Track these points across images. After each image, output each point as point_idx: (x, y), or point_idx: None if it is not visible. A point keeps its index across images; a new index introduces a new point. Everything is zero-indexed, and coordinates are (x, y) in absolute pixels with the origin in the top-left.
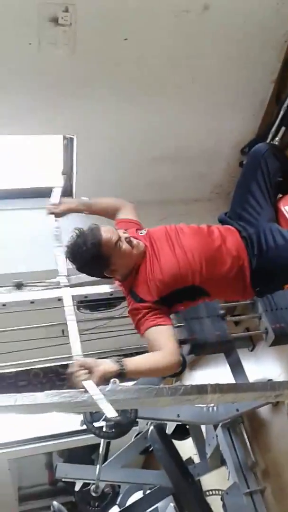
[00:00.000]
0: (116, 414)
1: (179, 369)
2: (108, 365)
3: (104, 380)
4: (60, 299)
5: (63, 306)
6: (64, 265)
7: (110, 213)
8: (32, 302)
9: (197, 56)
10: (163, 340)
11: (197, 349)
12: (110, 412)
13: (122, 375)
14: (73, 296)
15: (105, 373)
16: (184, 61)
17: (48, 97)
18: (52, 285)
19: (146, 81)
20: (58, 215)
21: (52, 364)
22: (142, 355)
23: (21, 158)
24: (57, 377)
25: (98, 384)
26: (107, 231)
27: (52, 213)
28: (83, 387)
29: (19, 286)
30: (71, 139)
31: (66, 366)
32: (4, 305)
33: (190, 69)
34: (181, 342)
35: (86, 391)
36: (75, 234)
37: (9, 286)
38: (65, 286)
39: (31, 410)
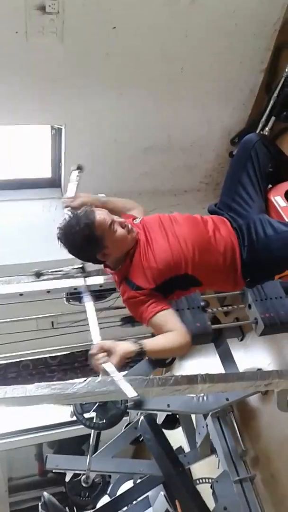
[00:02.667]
0: (136, 394)
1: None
2: (127, 345)
3: (124, 360)
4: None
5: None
6: None
7: (123, 213)
8: (21, 295)
9: (186, 45)
10: (172, 323)
11: None
12: (131, 392)
13: (141, 354)
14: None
15: (125, 353)
16: (174, 51)
17: (35, 86)
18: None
19: (135, 71)
20: (74, 208)
21: (42, 356)
22: (158, 336)
23: (8, 149)
24: (47, 368)
25: (118, 365)
26: (102, 213)
27: (67, 206)
28: (103, 370)
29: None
30: (59, 130)
31: (56, 358)
32: None
33: (179, 58)
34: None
35: (106, 373)
36: (68, 215)
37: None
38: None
39: (21, 402)
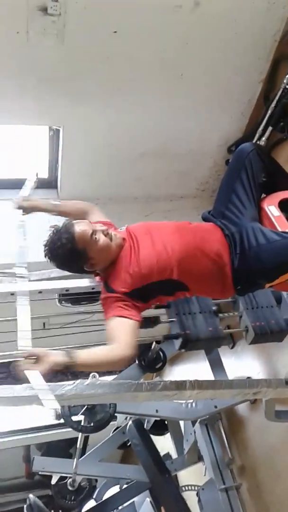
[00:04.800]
0: (58, 406)
1: (132, 362)
2: (57, 356)
3: (52, 371)
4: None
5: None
6: (24, 256)
7: (77, 215)
8: (12, 294)
9: (186, 53)
10: (121, 333)
11: (189, 344)
12: (51, 404)
13: (71, 367)
14: (29, 290)
15: (54, 364)
16: (174, 58)
17: (35, 87)
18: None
19: (135, 76)
20: (25, 210)
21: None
22: (95, 348)
23: (5, 148)
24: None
25: (44, 374)
26: (81, 224)
27: (19, 206)
28: (25, 376)
29: None
30: (57, 131)
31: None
32: None
33: (179, 65)
34: (173, 337)
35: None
36: (51, 232)
37: None
38: (22, 277)
39: (9, 402)
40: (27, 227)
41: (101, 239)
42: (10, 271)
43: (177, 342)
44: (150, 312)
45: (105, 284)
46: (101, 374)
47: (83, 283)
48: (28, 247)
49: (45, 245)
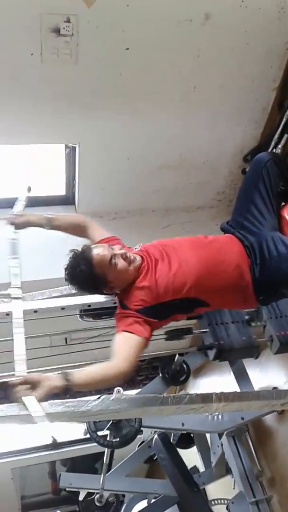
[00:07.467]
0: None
1: (128, 379)
2: (54, 380)
3: (49, 396)
4: (8, 314)
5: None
6: (18, 277)
7: (73, 229)
8: (35, 311)
9: (199, 65)
10: (123, 348)
11: (224, 354)
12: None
13: (69, 390)
14: (25, 310)
15: (51, 388)
16: (186, 70)
17: (50, 106)
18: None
19: (148, 90)
20: (17, 226)
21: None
22: (90, 366)
23: (23, 167)
24: None
25: (41, 400)
26: (100, 250)
27: (12, 223)
28: (23, 403)
29: None
30: (74, 148)
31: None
32: (7, 314)
33: (192, 78)
34: (207, 348)
35: (25, 407)
36: (70, 256)
37: None
38: (16, 298)
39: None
40: (19, 244)
41: (120, 263)
42: (5, 292)
43: (211, 353)
44: (180, 323)
45: (121, 302)
46: (125, 388)
47: (102, 298)
48: (20, 265)
49: (65, 270)
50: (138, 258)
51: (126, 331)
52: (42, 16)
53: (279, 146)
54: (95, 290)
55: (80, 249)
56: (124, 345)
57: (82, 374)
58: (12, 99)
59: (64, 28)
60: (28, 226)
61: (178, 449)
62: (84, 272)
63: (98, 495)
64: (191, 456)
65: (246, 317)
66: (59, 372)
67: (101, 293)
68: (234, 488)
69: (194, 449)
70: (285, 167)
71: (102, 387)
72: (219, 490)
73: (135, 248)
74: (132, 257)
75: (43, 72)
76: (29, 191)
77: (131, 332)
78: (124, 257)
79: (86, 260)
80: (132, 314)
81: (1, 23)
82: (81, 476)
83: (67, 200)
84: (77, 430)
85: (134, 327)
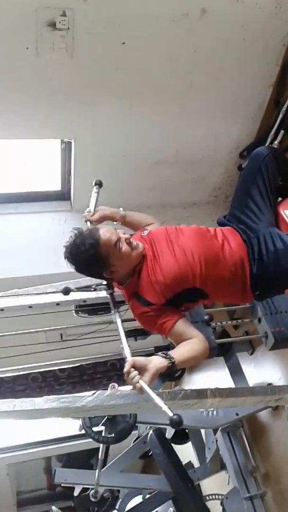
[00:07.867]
0: (171, 414)
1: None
2: (158, 361)
3: (157, 376)
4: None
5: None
6: None
7: (141, 228)
8: (30, 307)
9: (195, 60)
10: (190, 331)
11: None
12: (169, 411)
13: (172, 367)
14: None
15: (158, 369)
16: (183, 66)
17: (46, 101)
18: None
19: (144, 85)
20: (93, 222)
21: (51, 369)
22: (180, 346)
23: (18, 162)
24: (55, 381)
25: (150, 382)
26: (106, 232)
27: (87, 220)
28: (140, 388)
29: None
30: (69, 143)
31: (64, 370)
32: (2, 310)
33: (188, 73)
34: (165, 348)
35: (142, 392)
36: (73, 234)
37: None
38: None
39: (30, 415)
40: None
41: (124, 247)
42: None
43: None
44: None
45: (136, 295)
46: (120, 384)
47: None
48: None
49: (67, 247)
50: (141, 245)
51: (175, 320)
52: (38, 10)
53: (275, 142)
54: (95, 271)
55: (84, 228)
56: (187, 329)
57: (179, 352)
58: (7, 93)
59: (60, 22)
60: (103, 221)
61: (173, 445)
62: (88, 251)
63: (93, 491)
64: (186, 452)
65: (206, 317)
66: (158, 354)
67: (100, 276)
68: (228, 484)
69: (189, 444)
70: (284, 161)
71: (195, 363)
72: (213, 485)
73: (143, 233)
74: (135, 243)
75: (39, 67)
76: (99, 186)
77: (178, 319)
78: (128, 242)
79: (92, 239)
80: (162, 309)
81: None
82: (76, 472)
83: (63, 195)
84: (73, 426)
85: (176, 316)
